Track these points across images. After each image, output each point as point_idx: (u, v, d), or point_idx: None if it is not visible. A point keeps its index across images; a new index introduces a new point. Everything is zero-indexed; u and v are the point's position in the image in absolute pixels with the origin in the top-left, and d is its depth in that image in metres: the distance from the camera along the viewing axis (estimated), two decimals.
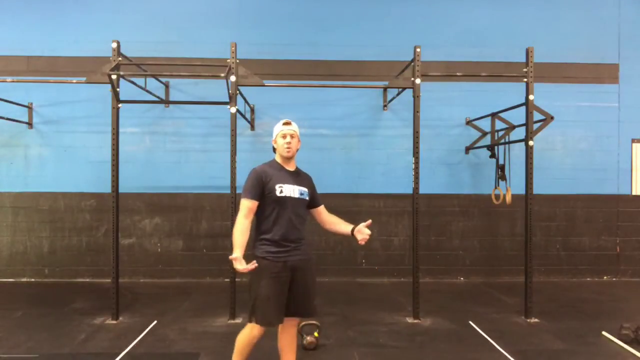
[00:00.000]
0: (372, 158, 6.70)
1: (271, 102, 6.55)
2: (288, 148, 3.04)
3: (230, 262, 2.84)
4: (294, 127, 3.11)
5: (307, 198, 3.11)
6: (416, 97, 4.84)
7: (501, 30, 6.76)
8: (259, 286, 2.89)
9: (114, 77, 4.61)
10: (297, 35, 6.68)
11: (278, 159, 3.13)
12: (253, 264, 2.80)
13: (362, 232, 3.04)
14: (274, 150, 3.17)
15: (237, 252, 2.80)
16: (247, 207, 2.94)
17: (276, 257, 2.93)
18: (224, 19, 6.64)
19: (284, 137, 3.05)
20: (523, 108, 4.99)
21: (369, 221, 3.05)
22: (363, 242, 3.03)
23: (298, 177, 3.12)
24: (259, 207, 3.00)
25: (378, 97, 6.72)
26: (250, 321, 2.96)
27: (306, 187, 3.12)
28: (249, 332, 2.97)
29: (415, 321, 4.76)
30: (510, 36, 6.69)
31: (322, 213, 3.26)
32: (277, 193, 2.95)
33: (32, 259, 6.52)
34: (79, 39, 6.51)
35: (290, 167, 3.12)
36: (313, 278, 3.12)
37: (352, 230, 3.10)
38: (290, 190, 3.00)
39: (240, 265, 2.76)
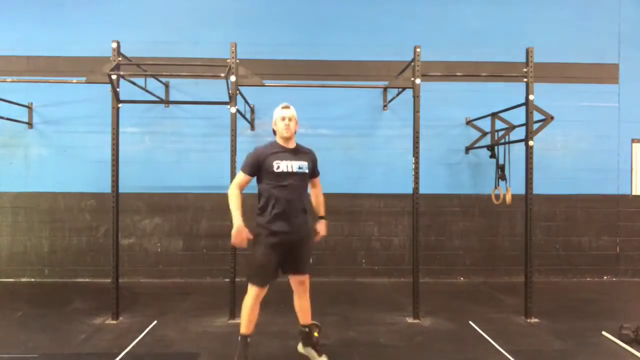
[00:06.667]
0: (372, 158, 6.70)
1: (271, 102, 6.41)
2: (287, 128, 3.38)
3: (230, 250, 3.05)
4: (292, 111, 3.48)
5: (307, 171, 3.46)
6: (416, 97, 4.84)
7: (501, 30, 6.76)
8: (255, 253, 3.36)
9: (114, 77, 4.61)
10: (297, 35, 6.67)
11: (279, 140, 3.47)
12: (248, 235, 3.25)
13: (318, 230, 3.67)
14: (274, 132, 3.51)
15: (238, 220, 3.21)
16: (241, 178, 3.37)
17: (273, 232, 3.33)
18: (224, 19, 6.64)
19: (283, 119, 3.41)
20: (523, 108, 4.99)
21: (320, 234, 3.70)
22: (316, 240, 3.68)
23: (297, 153, 3.46)
24: (260, 184, 3.41)
25: (378, 97, 6.72)
26: (249, 282, 3.42)
27: (306, 161, 3.46)
28: (250, 294, 3.41)
29: (415, 321, 4.76)
30: (510, 36, 6.69)
31: (314, 184, 3.71)
32: (275, 169, 3.31)
33: (32, 259, 6.52)
34: (79, 39, 6.50)
35: (290, 146, 3.46)
36: (307, 247, 3.57)
37: (318, 220, 3.72)
38: (287, 165, 3.34)
39: (239, 237, 3.20)
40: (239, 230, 3.20)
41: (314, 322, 4.01)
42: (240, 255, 5.08)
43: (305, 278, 3.56)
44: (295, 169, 3.36)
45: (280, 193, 3.31)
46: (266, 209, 3.34)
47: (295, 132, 3.46)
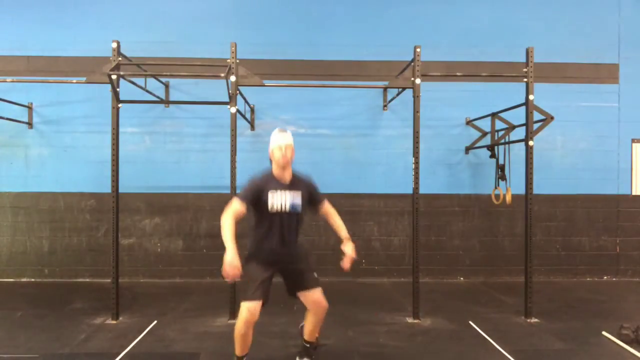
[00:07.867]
0: (372, 158, 6.70)
1: (271, 102, 6.55)
2: (283, 157, 3.23)
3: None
4: (289, 138, 3.31)
5: (300, 211, 3.33)
6: (416, 97, 4.84)
7: (501, 30, 6.76)
8: (246, 270, 3.20)
9: (114, 77, 4.61)
10: (297, 35, 6.67)
11: (274, 169, 3.32)
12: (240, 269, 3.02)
13: (346, 253, 3.36)
14: (270, 160, 3.33)
15: (233, 251, 2.99)
16: (238, 207, 3.15)
17: (264, 253, 3.30)
18: (224, 19, 6.64)
19: (280, 149, 3.25)
20: (523, 108, 4.99)
21: (348, 255, 3.36)
22: (345, 265, 3.32)
23: (292, 187, 3.31)
24: (253, 217, 3.30)
25: (378, 97, 6.72)
26: (241, 300, 3.24)
27: (300, 197, 3.31)
28: (241, 317, 3.17)
29: (415, 321, 4.76)
30: (510, 36, 6.69)
31: (324, 210, 3.54)
32: (269, 208, 3.21)
33: (32, 259, 6.51)
34: (79, 39, 6.51)
35: (286, 178, 3.31)
36: (305, 262, 3.45)
37: (342, 241, 3.44)
38: (280, 204, 3.23)
39: (232, 269, 2.96)
40: (232, 262, 2.95)
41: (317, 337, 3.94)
42: (240, 256, 5.07)
43: (316, 294, 3.33)
44: (288, 208, 3.24)
45: (272, 226, 3.25)
46: (257, 233, 3.29)
47: (292, 160, 3.30)
